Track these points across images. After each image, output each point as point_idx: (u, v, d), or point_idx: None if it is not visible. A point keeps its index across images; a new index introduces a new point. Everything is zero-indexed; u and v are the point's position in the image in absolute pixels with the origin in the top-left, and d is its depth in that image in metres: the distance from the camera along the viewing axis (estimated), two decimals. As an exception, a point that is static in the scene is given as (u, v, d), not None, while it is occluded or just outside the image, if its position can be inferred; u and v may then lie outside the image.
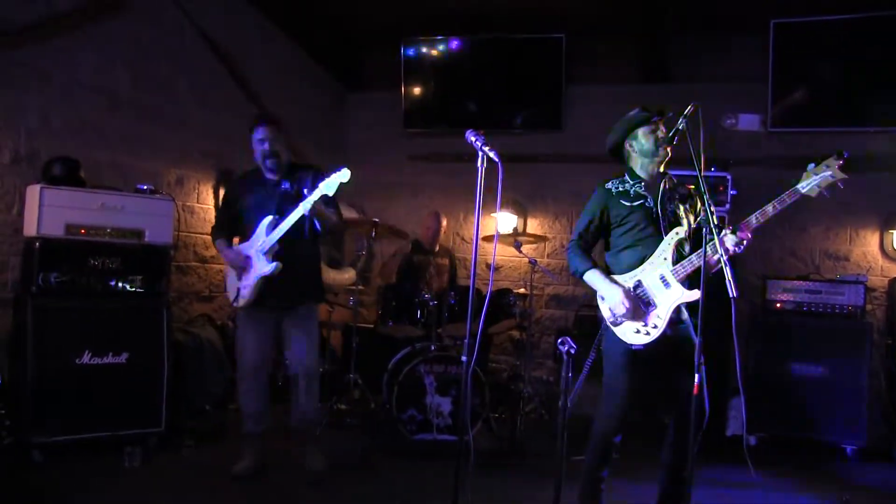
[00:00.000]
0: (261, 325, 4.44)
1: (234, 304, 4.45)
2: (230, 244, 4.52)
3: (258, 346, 4.44)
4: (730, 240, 3.28)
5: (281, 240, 4.23)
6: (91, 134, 5.13)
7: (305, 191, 4.20)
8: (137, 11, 5.39)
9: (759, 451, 5.41)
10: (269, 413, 4.57)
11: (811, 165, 3.33)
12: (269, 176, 4.44)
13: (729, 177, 6.04)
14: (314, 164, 4.59)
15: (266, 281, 4.26)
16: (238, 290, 4.37)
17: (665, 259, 3.47)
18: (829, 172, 3.28)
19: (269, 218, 4.29)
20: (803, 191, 3.32)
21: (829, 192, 3.31)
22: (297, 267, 4.34)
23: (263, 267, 4.26)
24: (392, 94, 7.53)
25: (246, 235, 4.42)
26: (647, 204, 3.57)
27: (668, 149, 3.55)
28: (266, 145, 4.34)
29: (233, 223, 4.55)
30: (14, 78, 4.64)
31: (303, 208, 4.10)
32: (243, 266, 4.35)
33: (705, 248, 3.17)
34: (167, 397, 4.80)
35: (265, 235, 4.27)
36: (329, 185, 4.07)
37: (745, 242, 3.32)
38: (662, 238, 3.50)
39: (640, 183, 3.62)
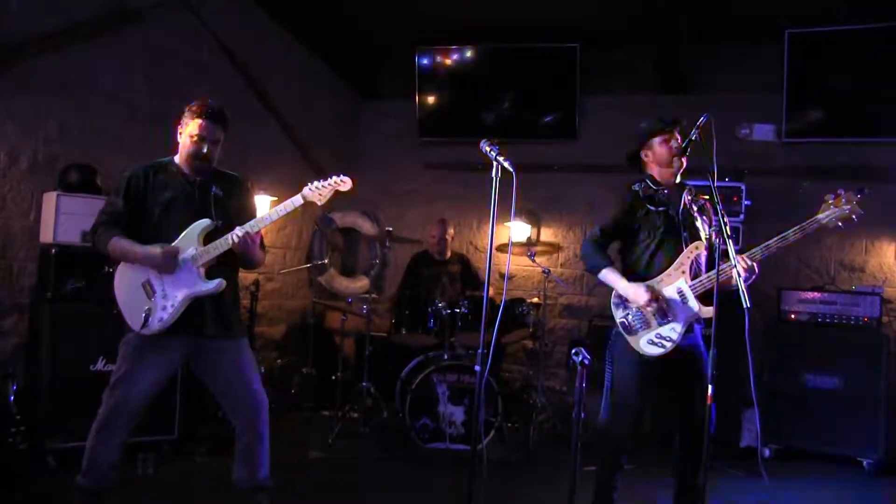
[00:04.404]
0: (166, 358, 3.44)
1: (143, 331, 3.34)
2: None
3: (152, 385, 3.40)
4: (741, 266, 3.31)
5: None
6: (108, 141, 5.16)
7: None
8: (155, 21, 5.44)
9: (773, 463, 5.38)
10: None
11: (831, 196, 3.40)
12: (189, 172, 3.51)
13: (743, 187, 6.04)
14: (237, 174, 3.73)
15: (198, 302, 3.39)
16: (149, 311, 3.35)
17: (683, 272, 3.49)
18: (849, 207, 3.37)
19: (206, 222, 3.42)
20: (823, 221, 3.40)
21: (845, 225, 3.39)
22: (228, 290, 3.48)
23: (199, 283, 3.38)
24: (407, 103, 7.57)
25: (154, 240, 3.39)
26: (670, 212, 3.59)
27: (683, 159, 3.58)
28: (204, 148, 3.43)
29: (134, 222, 3.45)
30: (33, 86, 4.68)
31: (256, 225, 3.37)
32: (164, 275, 3.35)
33: (718, 263, 3.18)
34: (180, 404, 4.81)
35: (198, 244, 3.40)
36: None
37: (755, 272, 3.38)
38: (682, 248, 3.53)
39: (663, 190, 3.64)
